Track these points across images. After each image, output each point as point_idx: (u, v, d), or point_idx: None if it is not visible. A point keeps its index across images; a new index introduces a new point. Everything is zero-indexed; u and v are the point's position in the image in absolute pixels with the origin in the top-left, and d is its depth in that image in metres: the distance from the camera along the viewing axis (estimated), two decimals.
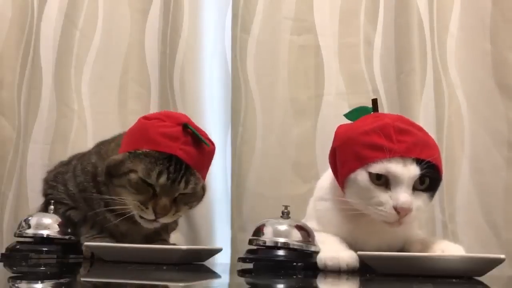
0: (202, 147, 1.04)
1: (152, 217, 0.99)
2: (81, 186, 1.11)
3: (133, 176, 0.99)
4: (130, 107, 1.57)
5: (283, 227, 0.86)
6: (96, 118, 1.56)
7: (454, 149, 1.29)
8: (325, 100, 1.40)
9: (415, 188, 0.84)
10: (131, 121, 1.53)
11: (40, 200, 1.44)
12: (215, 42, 1.54)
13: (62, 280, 0.76)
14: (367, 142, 0.85)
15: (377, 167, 0.83)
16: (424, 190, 0.85)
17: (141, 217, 1.01)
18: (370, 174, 0.84)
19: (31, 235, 1.03)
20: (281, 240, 0.84)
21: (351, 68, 1.41)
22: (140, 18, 1.60)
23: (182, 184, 1.00)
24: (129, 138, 1.04)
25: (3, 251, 1.04)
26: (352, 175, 0.86)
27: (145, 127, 1.02)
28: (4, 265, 0.95)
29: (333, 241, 0.91)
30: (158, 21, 1.57)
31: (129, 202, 1.01)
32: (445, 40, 1.34)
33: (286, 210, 0.88)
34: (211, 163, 1.10)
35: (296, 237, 0.85)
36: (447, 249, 0.86)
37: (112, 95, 1.57)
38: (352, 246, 0.90)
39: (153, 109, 1.54)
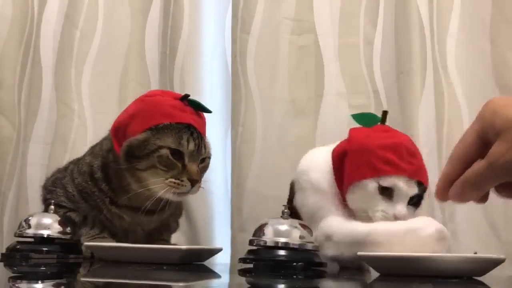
0: (201, 116, 1.09)
1: (189, 187, 1.02)
2: (80, 187, 1.12)
3: (164, 151, 1.01)
4: None
5: (283, 227, 0.86)
6: (96, 118, 1.56)
7: None
8: (325, 100, 1.40)
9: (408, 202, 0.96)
10: None
11: (40, 199, 1.44)
12: (215, 42, 1.54)
13: (62, 280, 0.77)
14: (382, 156, 0.94)
15: (388, 181, 0.93)
16: (411, 205, 0.96)
17: (174, 192, 1.02)
18: (379, 186, 0.94)
19: (31, 235, 1.02)
20: (282, 240, 0.84)
21: (351, 68, 1.41)
22: (140, 18, 1.60)
23: (203, 149, 1.05)
24: (141, 117, 1.04)
25: (3, 251, 1.03)
26: (363, 182, 0.95)
27: (154, 103, 1.05)
28: (4, 265, 0.95)
29: None
30: (158, 21, 1.57)
31: (158, 182, 1.01)
32: (445, 40, 1.34)
33: (286, 210, 0.88)
34: None
35: (296, 237, 0.85)
36: None
37: (112, 95, 1.57)
38: None
39: None
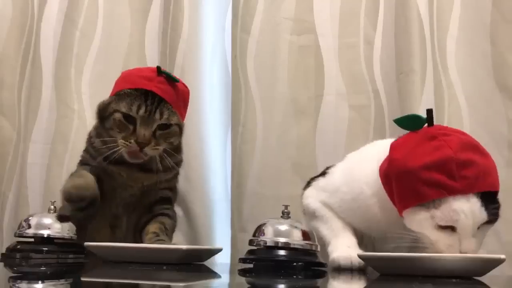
0: (176, 87, 1.17)
1: (136, 147, 1.10)
2: (83, 156, 1.23)
3: (117, 115, 1.12)
4: None
5: (283, 227, 0.86)
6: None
7: None
8: (325, 100, 1.40)
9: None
10: None
11: (40, 200, 1.44)
12: (215, 42, 1.54)
13: (62, 280, 0.77)
14: (425, 179, 0.80)
15: (443, 218, 0.80)
16: (487, 223, 0.83)
17: (128, 153, 1.11)
18: (437, 225, 0.81)
19: (31, 235, 1.02)
20: (282, 240, 0.84)
21: (351, 68, 1.41)
22: (140, 18, 1.60)
23: (158, 115, 1.12)
24: (114, 86, 1.18)
25: (3, 251, 1.04)
26: (413, 213, 0.83)
27: (125, 74, 1.20)
28: (4, 265, 0.95)
29: (346, 237, 0.95)
30: (158, 21, 1.57)
31: (117, 141, 1.12)
32: (445, 40, 1.34)
33: (286, 210, 0.88)
34: (187, 104, 1.23)
35: (296, 237, 0.85)
36: None
37: None
38: (368, 240, 0.94)
39: None
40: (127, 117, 1.11)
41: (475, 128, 1.30)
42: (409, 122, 0.89)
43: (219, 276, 0.91)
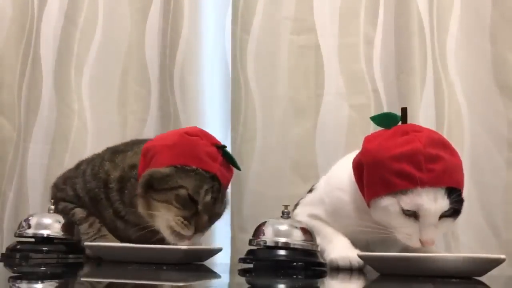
0: (230, 169, 1.09)
1: (191, 232, 1.01)
2: (92, 193, 1.13)
3: (182, 192, 1.01)
4: (130, 107, 1.57)
5: (283, 227, 0.86)
6: (96, 118, 1.56)
7: None
8: (325, 100, 1.40)
9: (441, 216, 0.86)
10: (131, 121, 1.55)
11: (40, 199, 1.44)
12: (215, 42, 1.54)
13: (62, 280, 0.77)
14: (395, 169, 0.85)
15: (408, 203, 0.84)
16: (449, 216, 0.87)
17: (175, 234, 1.01)
18: (402, 209, 0.85)
19: (31, 235, 1.02)
20: (282, 240, 0.84)
21: (351, 68, 1.41)
22: (140, 18, 1.60)
23: (219, 204, 1.06)
24: (172, 151, 1.04)
25: (3, 251, 1.03)
26: (379, 200, 0.87)
27: (190, 143, 1.04)
28: (4, 265, 0.95)
29: (339, 240, 0.96)
30: (158, 21, 1.57)
31: (168, 218, 1.01)
32: (445, 40, 1.34)
33: (286, 210, 0.88)
34: None
35: (296, 237, 0.85)
36: None
37: (112, 95, 1.57)
38: (360, 244, 0.94)
39: (153, 109, 1.54)
40: (191, 198, 1.02)
41: (475, 128, 1.30)
42: (385, 120, 0.93)
43: (219, 276, 0.91)
